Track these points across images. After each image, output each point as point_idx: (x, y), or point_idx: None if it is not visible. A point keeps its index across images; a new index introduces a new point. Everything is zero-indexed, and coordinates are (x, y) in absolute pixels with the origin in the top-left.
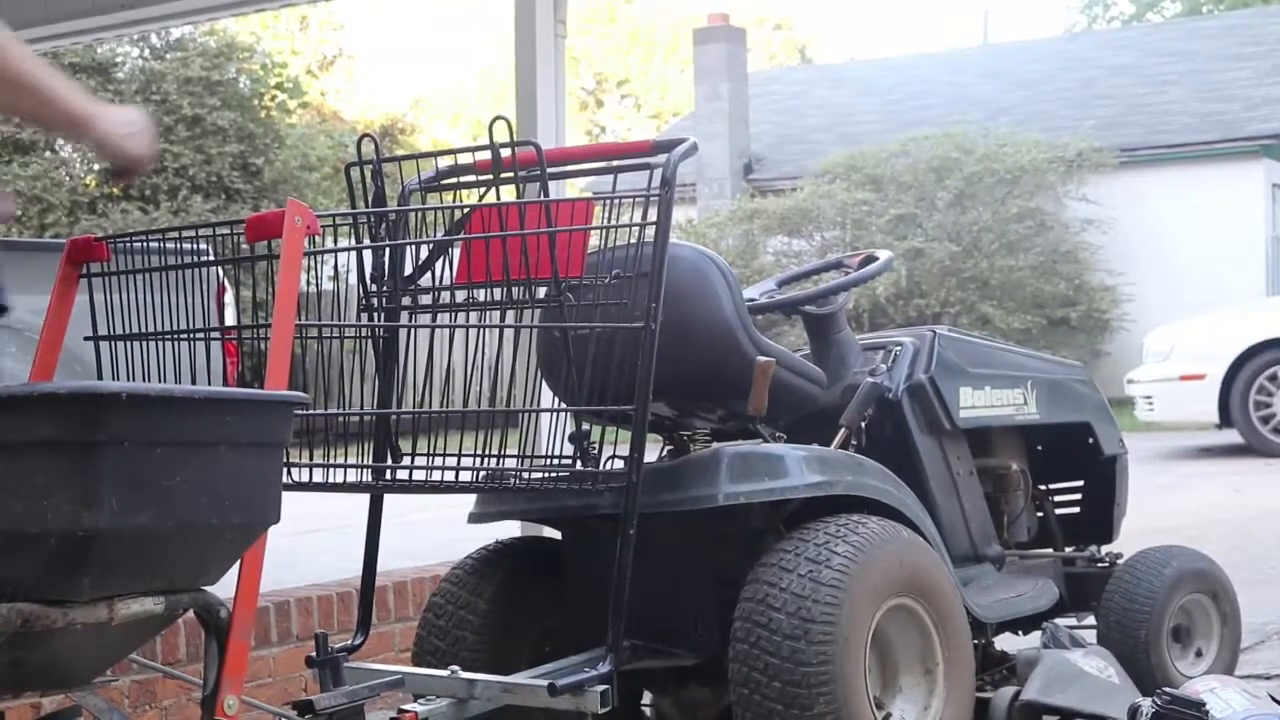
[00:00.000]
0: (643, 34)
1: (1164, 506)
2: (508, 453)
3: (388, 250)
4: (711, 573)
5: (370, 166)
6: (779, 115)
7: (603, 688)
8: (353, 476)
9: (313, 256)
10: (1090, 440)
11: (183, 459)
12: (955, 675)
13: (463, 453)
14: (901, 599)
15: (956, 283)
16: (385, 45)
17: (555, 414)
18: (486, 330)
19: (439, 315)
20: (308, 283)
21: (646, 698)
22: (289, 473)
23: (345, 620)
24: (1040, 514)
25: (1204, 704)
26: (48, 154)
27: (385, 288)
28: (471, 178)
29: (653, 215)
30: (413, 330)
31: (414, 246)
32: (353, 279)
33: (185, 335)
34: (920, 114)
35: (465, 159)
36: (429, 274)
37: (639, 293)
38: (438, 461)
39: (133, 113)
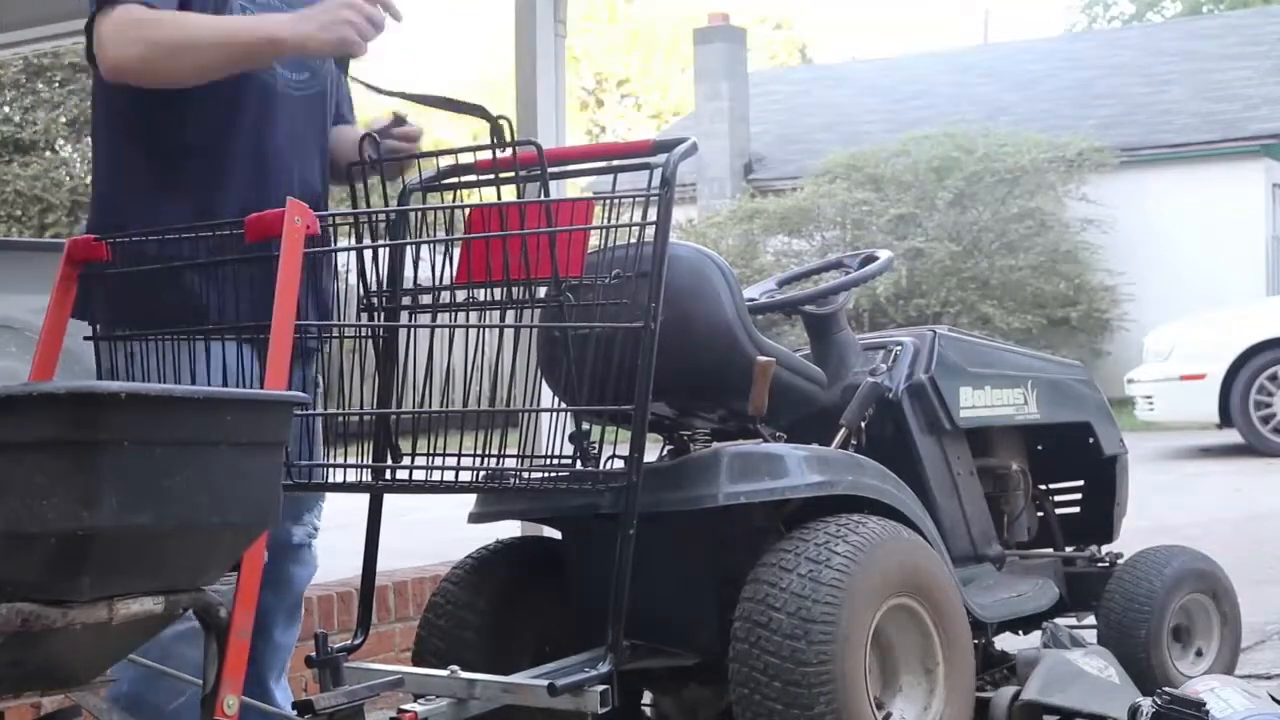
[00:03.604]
0: (643, 34)
1: (1164, 506)
2: (508, 452)
3: (390, 250)
4: (711, 573)
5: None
6: (779, 115)
7: (602, 688)
8: (352, 476)
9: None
10: (1090, 440)
11: (183, 459)
12: (955, 675)
13: (463, 453)
14: (901, 599)
15: (956, 283)
16: (385, 45)
17: (555, 414)
18: (486, 330)
19: (439, 315)
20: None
21: (647, 697)
22: (289, 473)
23: (345, 620)
24: (1040, 514)
25: (1204, 704)
26: (48, 154)
27: (385, 288)
28: (472, 177)
29: (652, 215)
30: (412, 330)
31: (414, 247)
32: (353, 279)
33: (185, 335)
34: (920, 114)
35: (466, 158)
36: (428, 274)
37: (639, 292)
38: (437, 461)
39: (318, 7)
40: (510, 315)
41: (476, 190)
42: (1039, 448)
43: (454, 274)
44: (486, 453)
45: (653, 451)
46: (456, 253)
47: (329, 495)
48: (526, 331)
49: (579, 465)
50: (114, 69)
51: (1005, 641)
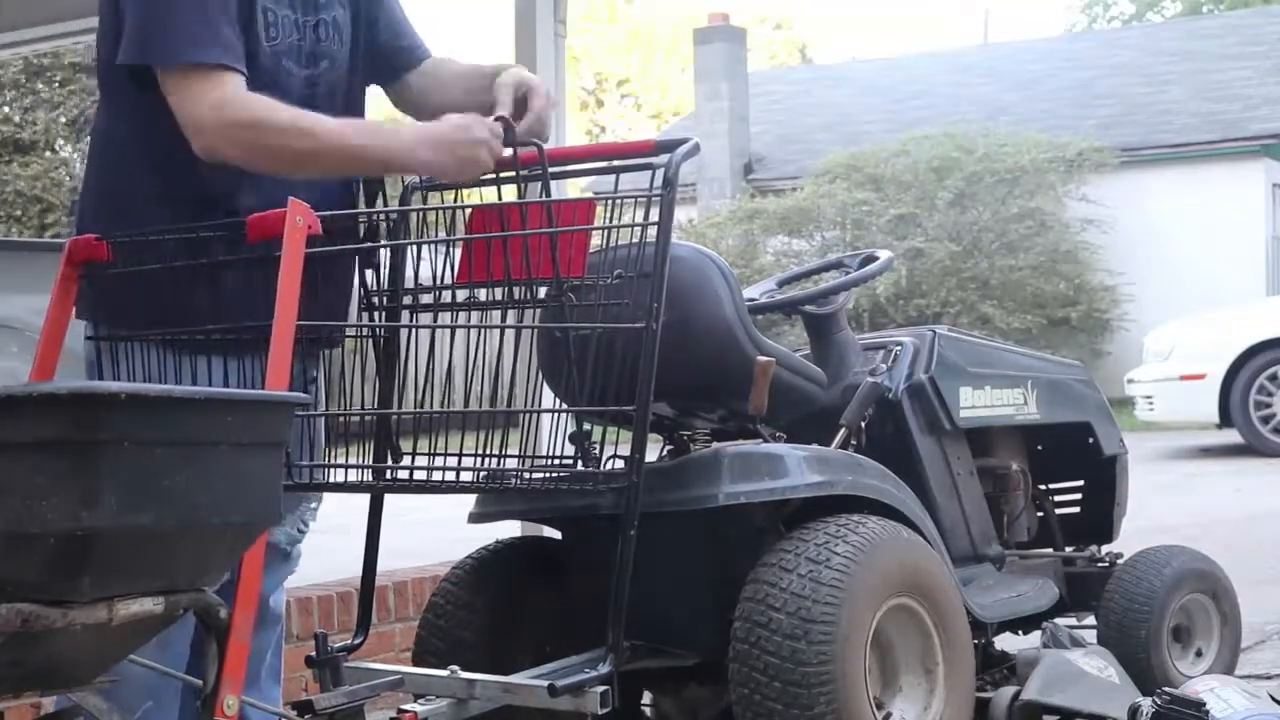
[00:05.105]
0: (643, 34)
1: (1164, 506)
2: (508, 453)
3: (390, 250)
4: (711, 573)
5: None
6: (779, 115)
7: (603, 688)
8: (353, 476)
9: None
10: (1090, 440)
11: (183, 459)
12: (955, 675)
13: (463, 453)
14: (901, 599)
15: (956, 283)
16: None
17: (556, 414)
18: (487, 330)
19: (439, 315)
20: None
21: (647, 698)
22: (289, 473)
23: (345, 620)
24: (1040, 514)
25: (1204, 704)
26: (48, 154)
27: (385, 288)
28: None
29: (654, 215)
30: (413, 330)
31: (415, 247)
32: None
33: (185, 335)
34: (920, 114)
35: None
36: (429, 274)
37: (640, 293)
38: (438, 461)
39: (444, 126)
40: (511, 315)
41: (477, 190)
42: (1039, 448)
43: (454, 274)
44: (487, 453)
45: (653, 451)
46: (457, 253)
47: (330, 495)
48: (527, 332)
49: (580, 466)
50: (211, 154)
51: (1005, 641)
